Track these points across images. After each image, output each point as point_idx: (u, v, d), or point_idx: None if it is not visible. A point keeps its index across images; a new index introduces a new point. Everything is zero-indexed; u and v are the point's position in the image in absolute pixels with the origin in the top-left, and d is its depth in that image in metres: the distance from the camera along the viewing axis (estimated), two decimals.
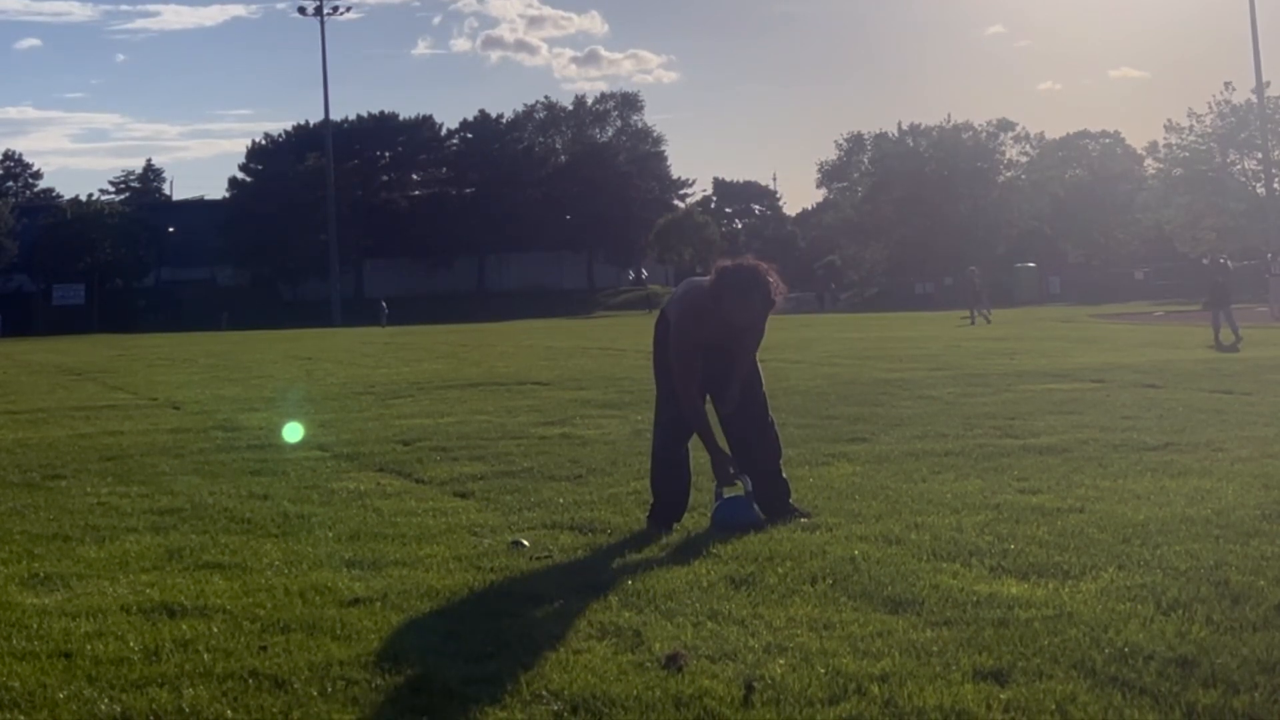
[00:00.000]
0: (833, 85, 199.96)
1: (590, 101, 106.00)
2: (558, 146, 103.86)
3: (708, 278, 6.29)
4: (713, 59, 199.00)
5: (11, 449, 10.63)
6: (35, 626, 4.68)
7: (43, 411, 14.59)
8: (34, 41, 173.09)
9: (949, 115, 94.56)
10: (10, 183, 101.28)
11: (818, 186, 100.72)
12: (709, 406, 6.53)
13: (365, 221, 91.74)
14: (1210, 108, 73.45)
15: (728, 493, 6.38)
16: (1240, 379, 14.25)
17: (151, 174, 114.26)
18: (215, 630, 4.57)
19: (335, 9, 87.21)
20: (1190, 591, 4.70)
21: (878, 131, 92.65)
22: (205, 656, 4.24)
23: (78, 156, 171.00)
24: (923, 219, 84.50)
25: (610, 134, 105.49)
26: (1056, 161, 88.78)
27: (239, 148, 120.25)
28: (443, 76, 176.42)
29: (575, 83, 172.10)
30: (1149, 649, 4.02)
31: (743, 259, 6.31)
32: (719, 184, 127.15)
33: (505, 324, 58.25)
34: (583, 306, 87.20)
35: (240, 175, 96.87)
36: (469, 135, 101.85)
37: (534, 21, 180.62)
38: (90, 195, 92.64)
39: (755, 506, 6.29)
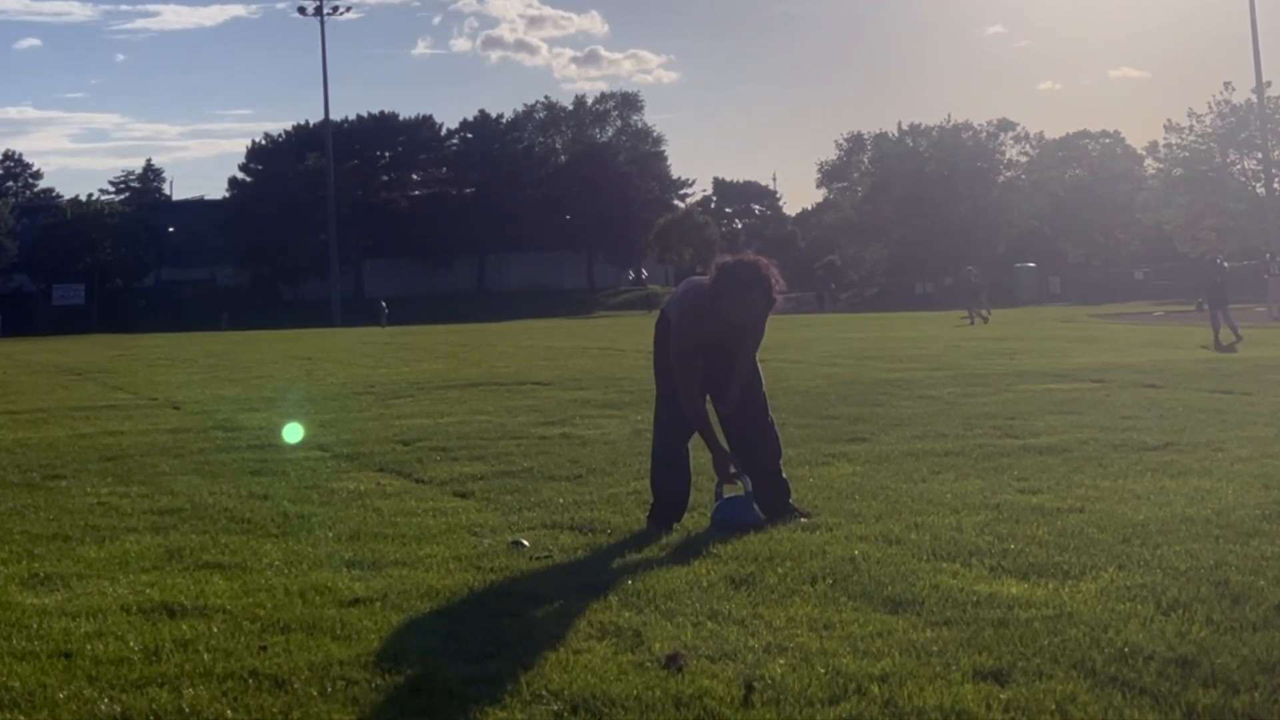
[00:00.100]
0: (833, 85, 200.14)
1: (590, 101, 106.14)
2: (558, 146, 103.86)
3: (708, 277, 6.27)
4: (713, 59, 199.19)
5: (11, 449, 10.63)
6: (35, 626, 4.68)
7: (43, 411, 14.59)
8: (34, 41, 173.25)
9: (949, 115, 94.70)
10: (10, 183, 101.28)
11: (818, 186, 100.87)
12: (709, 407, 6.53)
13: (365, 221, 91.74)
14: (1210, 108, 73.53)
15: (728, 492, 6.38)
16: (1240, 379, 14.25)
17: (151, 174, 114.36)
18: (215, 630, 4.57)
19: (335, 9, 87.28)
20: (1190, 591, 4.70)
21: (878, 131, 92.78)
22: (205, 656, 4.24)
23: (78, 156, 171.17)
24: (923, 219, 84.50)
25: (610, 134, 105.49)
26: (1056, 161, 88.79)
27: (239, 148, 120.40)
28: (443, 76, 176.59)
29: (575, 83, 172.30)
30: (1149, 649, 4.02)
31: (743, 255, 6.29)
32: (719, 184, 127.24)
33: (505, 324, 58.25)
34: (583, 306, 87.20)
35: (240, 175, 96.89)
36: (469, 135, 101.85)
37: (534, 21, 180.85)
38: (90, 195, 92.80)
39: (755, 506, 6.29)
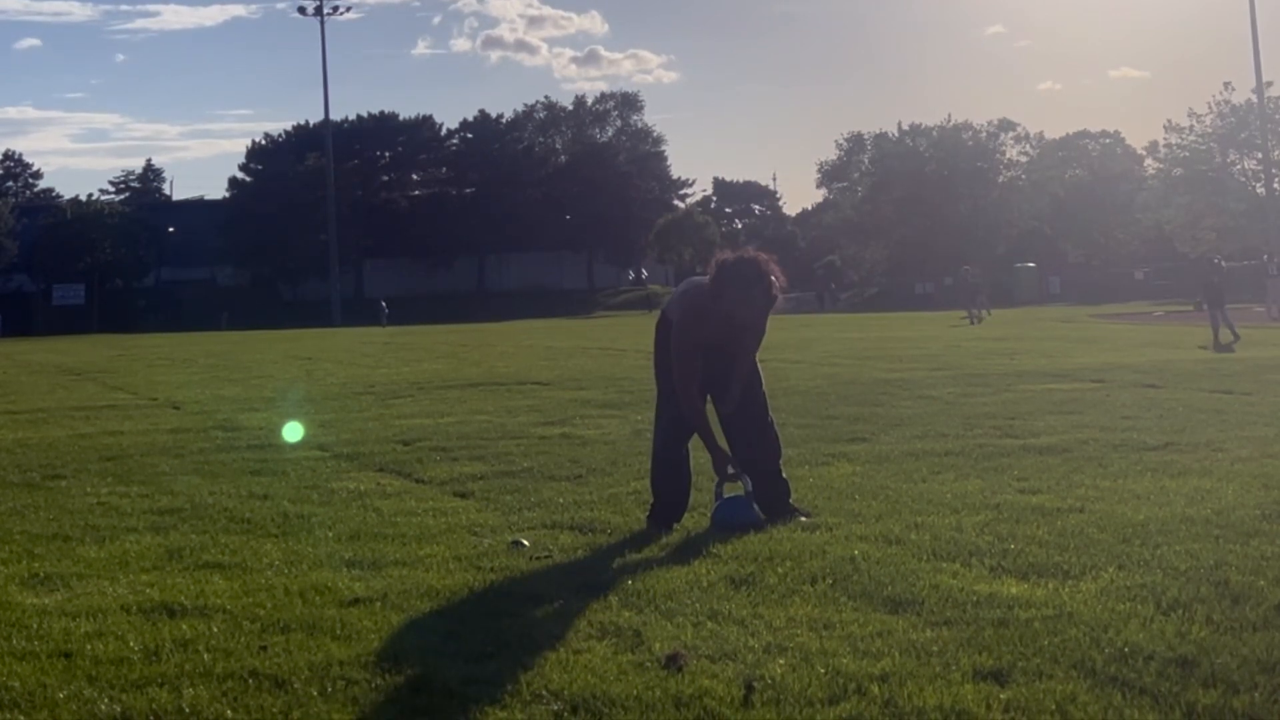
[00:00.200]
0: (833, 85, 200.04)
1: (590, 101, 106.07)
2: (558, 146, 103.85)
3: (708, 276, 6.27)
4: (713, 59, 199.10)
5: (11, 449, 10.63)
6: (35, 626, 4.68)
7: (43, 411, 14.59)
8: (34, 41, 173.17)
9: (949, 115, 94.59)
10: (10, 183, 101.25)
11: (818, 186, 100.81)
12: (709, 407, 6.53)
13: (365, 221, 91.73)
14: (1210, 108, 73.54)
15: (728, 492, 6.38)
16: (1240, 379, 14.25)
17: (151, 174, 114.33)
18: (215, 630, 4.57)
19: (335, 9, 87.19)
20: (1190, 591, 4.70)
21: (878, 131, 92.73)
22: (205, 656, 4.24)
23: (78, 156, 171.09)
24: (923, 219, 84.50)
25: (610, 134, 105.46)
26: (1056, 161, 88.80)
27: (239, 148, 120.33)
28: (443, 76, 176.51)
29: (575, 83, 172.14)
30: (1149, 649, 4.02)
31: (743, 251, 6.29)
32: (719, 184, 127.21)
33: (505, 324, 58.25)
34: (583, 306, 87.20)
35: (240, 175, 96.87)
36: (469, 135, 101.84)
37: (534, 21, 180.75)
38: (90, 195, 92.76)
39: (755, 506, 6.29)
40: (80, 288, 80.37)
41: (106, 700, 3.84)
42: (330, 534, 6.38)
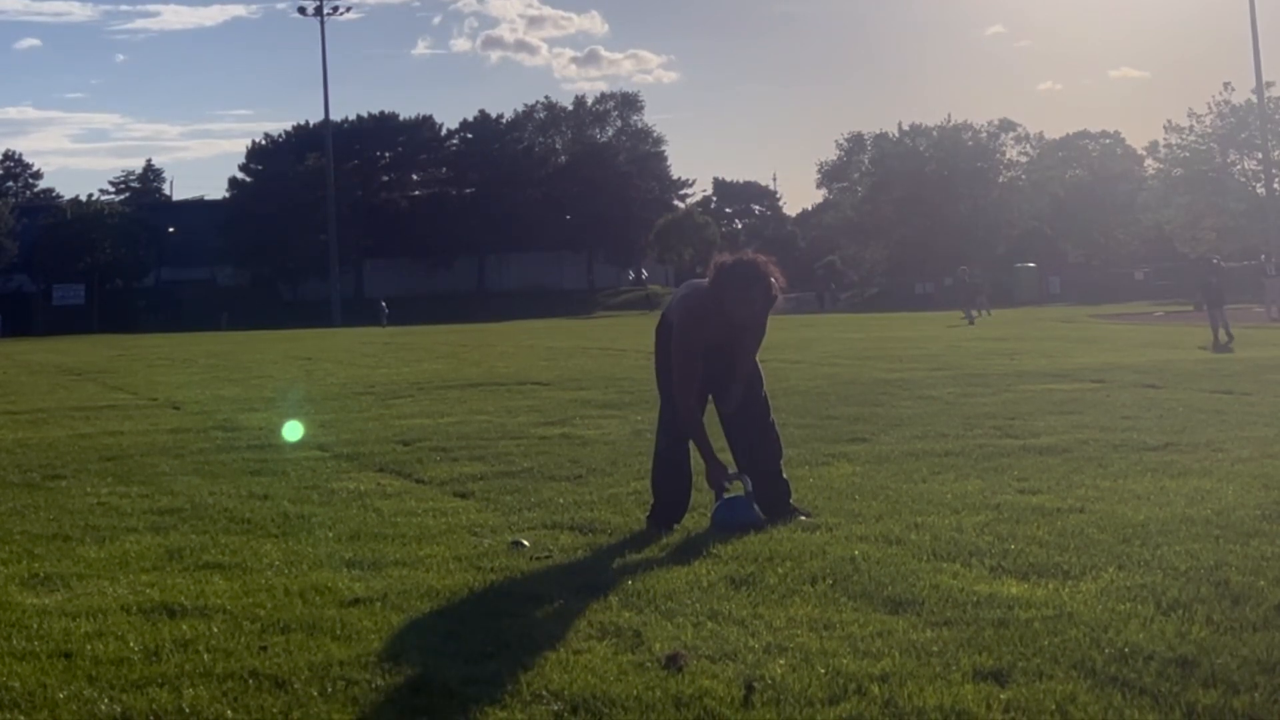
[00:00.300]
0: (833, 85, 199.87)
1: (590, 101, 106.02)
2: (558, 146, 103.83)
3: (707, 278, 6.29)
4: (713, 59, 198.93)
5: (11, 449, 10.63)
6: (35, 626, 4.68)
7: (43, 411, 14.59)
8: (34, 41, 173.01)
9: (949, 115, 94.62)
10: (10, 183, 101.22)
11: (818, 186, 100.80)
12: (709, 408, 6.54)
13: (365, 221, 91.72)
14: (1210, 108, 73.52)
15: (728, 492, 6.39)
16: (1240, 379, 14.25)
17: (151, 174, 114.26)
18: (215, 630, 4.57)
19: (335, 9, 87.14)
20: (1190, 591, 4.70)
21: (878, 131, 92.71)
22: (205, 656, 4.24)
23: (78, 156, 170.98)
24: (923, 219, 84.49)
25: (610, 134, 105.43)
26: (1056, 161, 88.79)
27: (239, 148, 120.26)
28: (443, 76, 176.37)
29: (575, 83, 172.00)
30: (1149, 649, 4.02)
31: (741, 254, 6.32)
32: (719, 184, 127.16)
33: (505, 324, 58.24)
34: (583, 306, 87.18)
35: (240, 175, 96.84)
36: (469, 135, 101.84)
37: (534, 21, 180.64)
38: (90, 195, 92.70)
39: (755, 506, 6.29)
40: (80, 288, 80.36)
41: (106, 700, 3.84)
42: (330, 534, 6.38)
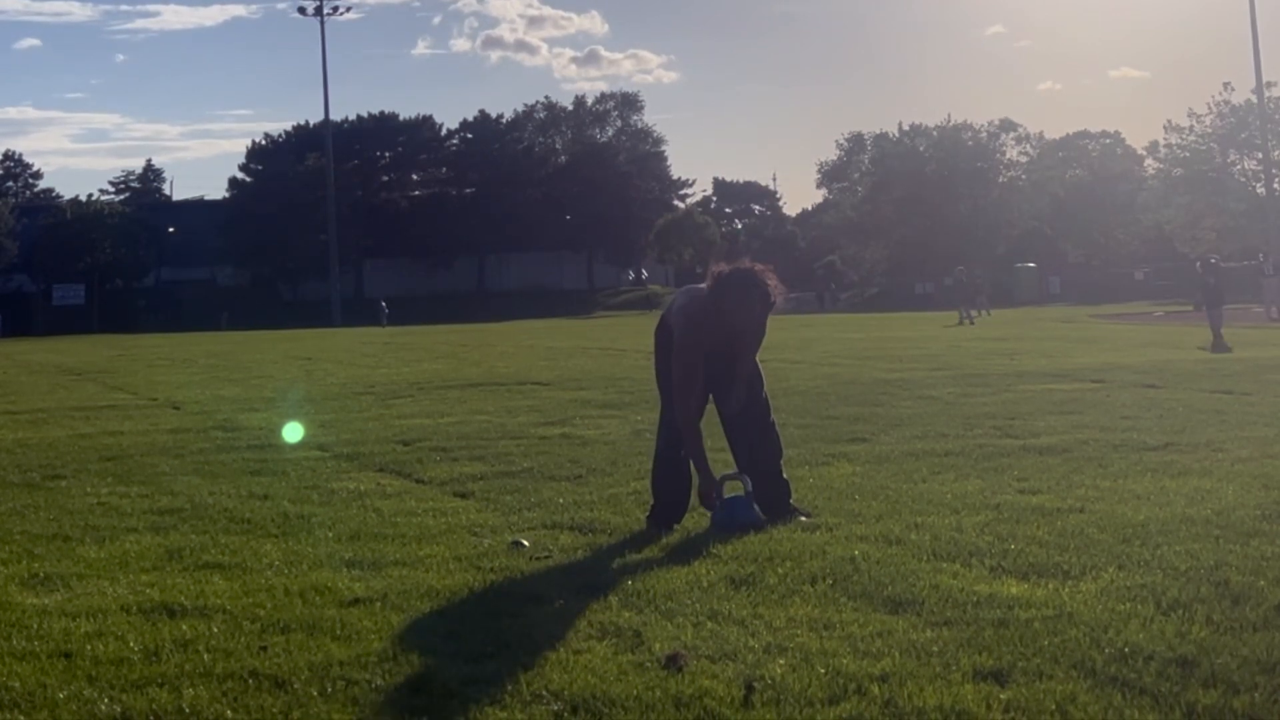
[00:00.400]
0: (833, 85, 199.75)
1: (590, 101, 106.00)
2: (558, 146, 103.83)
3: (706, 285, 6.36)
4: (713, 59, 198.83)
5: (11, 449, 10.63)
6: (35, 626, 4.68)
7: (43, 411, 14.59)
8: (34, 41, 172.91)
9: (949, 115, 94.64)
10: (10, 183, 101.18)
11: (818, 186, 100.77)
12: (710, 408, 6.55)
13: (365, 221, 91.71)
14: (1210, 108, 73.50)
15: (728, 492, 6.39)
16: (1240, 379, 14.25)
17: (151, 174, 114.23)
18: (215, 630, 4.57)
19: (335, 9, 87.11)
20: (1190, 591, 4.70)
21: (878, 131, 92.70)
22: (205, 656, 4.24)
23: (78, 156, 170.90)
24: (923, 219, 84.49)
25: (610, 134, 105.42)
26: (1056, 161, 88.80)
27: (239, 148, 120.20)
28: (443, 76, 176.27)
29: (575, 83, 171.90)
30: (1149, 649, 4.02)
31: (739, 262, 6.38)
32: (719, 184, 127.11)
33: (505, 324, 58.24)
34: (583, 306, 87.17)
35: (240, 175, 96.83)
36: (469, 135, 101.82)
37: (534, 21, 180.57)
38: (90, 195, 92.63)
39: (755, 507, 6.29)
40: (80, 288, 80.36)
41: (106, 700, 3.84)
42: (330, 534, 6.38)
